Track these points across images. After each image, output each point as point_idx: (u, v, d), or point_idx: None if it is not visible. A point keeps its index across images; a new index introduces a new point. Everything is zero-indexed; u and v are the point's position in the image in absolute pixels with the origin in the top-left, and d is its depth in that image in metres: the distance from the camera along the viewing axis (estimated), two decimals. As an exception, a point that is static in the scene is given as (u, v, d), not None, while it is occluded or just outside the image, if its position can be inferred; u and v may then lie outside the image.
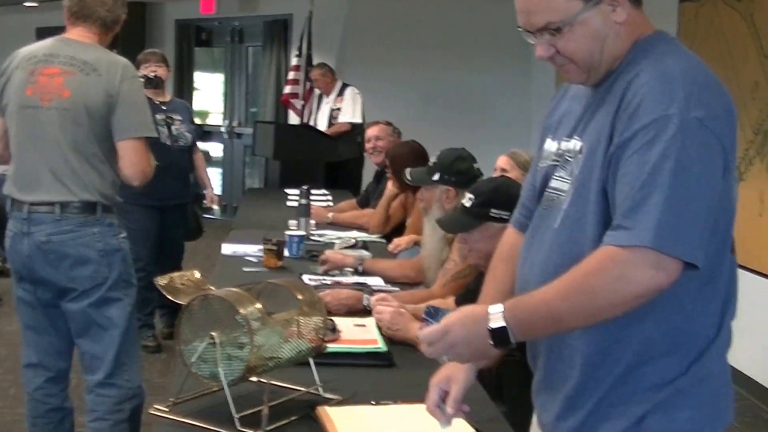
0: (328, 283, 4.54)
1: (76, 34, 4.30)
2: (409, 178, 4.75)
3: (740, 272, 6.27)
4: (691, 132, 2.05)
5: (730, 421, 2.31)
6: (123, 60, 4.28)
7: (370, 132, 7.28)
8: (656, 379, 2.20)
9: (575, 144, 2.28)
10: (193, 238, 7.95)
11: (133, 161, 4.20)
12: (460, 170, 4.49)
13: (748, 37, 6.96)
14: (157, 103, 7.02)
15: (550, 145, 2.39)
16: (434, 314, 2.58)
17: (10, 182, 4.25)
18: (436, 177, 4.50)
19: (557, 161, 2.34)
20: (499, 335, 2.16)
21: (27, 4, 15.39)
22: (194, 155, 7.66)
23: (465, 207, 3.67)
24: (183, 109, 7.52)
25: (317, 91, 11.32)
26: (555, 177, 2.33)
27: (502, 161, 5.22)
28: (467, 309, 2.28)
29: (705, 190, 2.07)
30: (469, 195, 3.68)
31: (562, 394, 2.32)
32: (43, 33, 17.03)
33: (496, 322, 2.16)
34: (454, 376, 2.44)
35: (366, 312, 3.87)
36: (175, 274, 3.04)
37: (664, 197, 2.03)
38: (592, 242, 2.14)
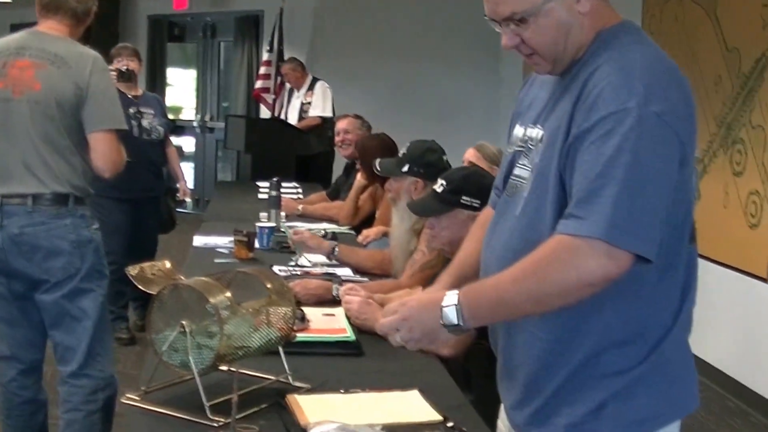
0: (298, 273, 4.58)
1: (48, 26, 4.31)
2: (378, 168, 4.78)
3: (705, 264, 6.38)
4: (648, 126, 2.07)
5: (694, 407, 2.34)
6: (93, 53, 4.29)
7: (340, 125, 7.33)
8: (615, 367, 2.23)
9: (537, 132, 2.31)
10: (166, 231, 7.96)
11: (104, 153, 4.23)
12: (429, 162, 4.51)
13: (711, 32, 7.05)
14: (130, 96, 7.05)
15: (518, 131, 2.42)
16: None
17: None
18: (405, 168, 4.52)
19: (522, 147, 2.37)
20: (450, 316, 2.22)
21: (0, 0, 15.32)
22: (167, 149, 7.68)
23: (436, 192, 3.71)
24: (155, 103, 7.54)
25: (288, 86, 11.36)
26: (518, 164, 2.36)
27: (470, 154, 5.28)
28: (426, 293, 2.38)
29: (659, 185, 2.09)
30: (441, 181, 3.72)
31: (520, 381, 2.36)
32: (17, 29, 16.84)
33: (449, 303, 2.22)
34: None
35: (335, 302, 3.90)
36: (146, 264, 3.06)
37: (617, 190, 2.05)
38: (550, 230, 2.16)
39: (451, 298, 2.23)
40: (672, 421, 2.31)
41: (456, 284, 2.43)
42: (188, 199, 7.96)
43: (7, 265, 4.21)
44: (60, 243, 4.19)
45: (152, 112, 7.31)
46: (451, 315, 2.22)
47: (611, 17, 2.28)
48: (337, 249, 4.87)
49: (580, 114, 2.15)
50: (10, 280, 4.25)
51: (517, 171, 2.37)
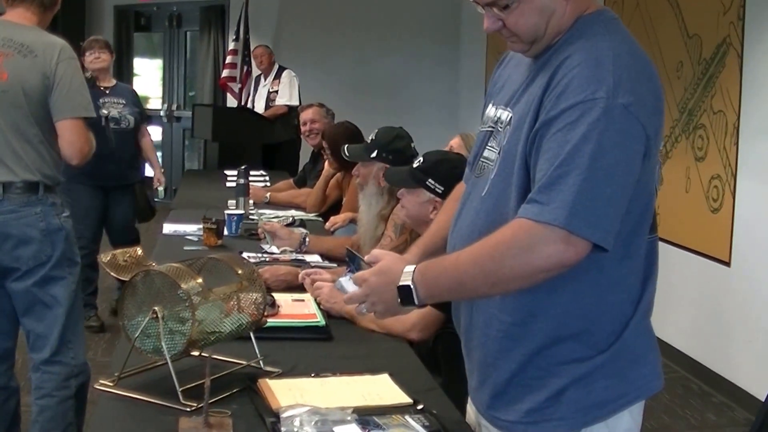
0: (267, 260, 4.61)
1: (15, 16, 4.31)
2: (347, 154, 4.80)
3: (667, 247, 6.46)
4: (615, 117, 2.08)
5: (657, 388, 2.38)
6: (60, 41, 4.31)
7: (305, 115, 7.34)
8: (575, 354, 2.27)
9: (507, 115, 2.33)
10: (145, 220, 7.92)
11: (72, 141, 4.25)
12: (397, 148, 4.55)
13: (672, 18, 7.11)
14: (101, 88, 7.07)
15: (490, 111, 2.44)
16: (352, 259, 2.64)
17: None
18: (373, 154, 4.56)
19: (492, 128, 2.39)
20: (404, 292, 2.30)
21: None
22: (142, 138, 7.69)
23: (412, 167, 3.77)
24: (126, 93, 7.59)
25: (255, 74, 11.36)
26: (488, 146, 2.39)
27: (455, 141, 5.35)
28: (387, 264, 2.39)
29: (621, 175, 2.11)
30: (420, 158, 3.77)
31: (478, 361, 2.41)
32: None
33: (405, 280, 2.29)
34: None
35: (304, 287, 3.93)
36: (118, 251, 3.09)
37: (581, 179, 2.07)
38: (514, 213, 2.19)
39: (407, 276, 2.30)
40: (634, 402, 2.35)
41: (424, 256, 2.52)
42: (161, 187, 7.87)
43: None
44: (30, 231, 4.21)
45: (123, 102, 7.33)
46: (407, 293, 2.29)
47: (590, 3, 2.31)
48: (307, 240, 4.89)
49: (549, 101, 2.17)
50: None
51: (486, 152, 2.40)
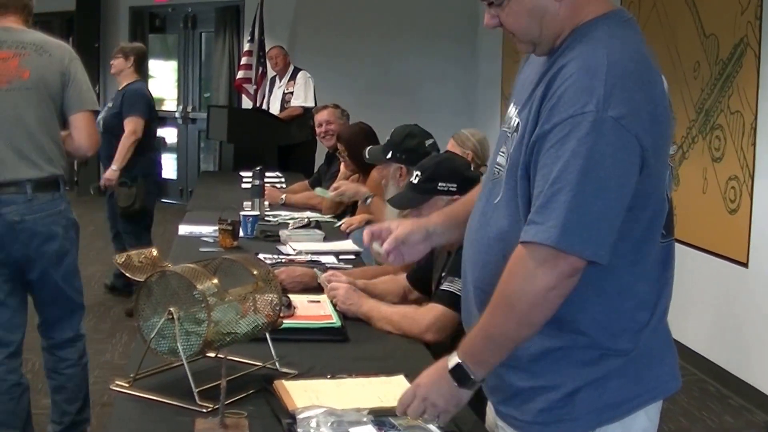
0: (283, 261, 4.61)
1: (11, 21, 4.52)
2: (367, 157, 4.81)
3: (684, 249, 6.42)
4: (605, 131, 2.07)
5: (674, 389, 2.38)
6: (64, 42, 4.65)
7: (320, 117, 7.36)
8: (587, 357, 2.27)
9: (515, 120, 2.32)
10: (131, 217, 7.83)
11: (90, 133, 4.59)
12: (409, 147, 4.55)
13: (688, 18, 7.08)
14: None
15: (510, 111, 2.42)
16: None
17: None
18: (389, 155, 4.56)
19: (507, 131, 2.39)
20: (458, 372, 2.28)
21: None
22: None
23: (412, 184, 3.72)
24: (118, 96, 7.69)
25: (270, 75, 11.37)
26: (500, 152, 2.39)
27: (449, 144, 5.35)
28: (427, 375, 2.38)
29: (613, 189, 2.10)
30: (416, 172, 3.74)
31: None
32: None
33: (452, 363, 2.29)
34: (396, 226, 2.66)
35: (320, 289, 3.92)
36: (133, 252, 3.09)
37: (570, 195, 2.07)
38: (519, 221, 2.21)
39: (453, 359, 2.30)
40: (650, 403, 2.34)
41: (447, 219, 2.65)
42: (101, 186, 7.86)
43: (2, 252, 4.40)
44: (55, 228, 4.46)
45: (110, 105, 7.55)
46: (460, 372, 2.28)
47: (598, 7, 2.27)
48: (369, 200, 4.91)
49: (544, 112, 2.17)
50: (3, 266, 4.41)
51: (498, 158, 2.39)
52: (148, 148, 7.75)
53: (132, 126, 7.52)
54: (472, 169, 3.91)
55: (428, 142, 4.66)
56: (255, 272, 2.91)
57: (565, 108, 2.11)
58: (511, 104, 2.45)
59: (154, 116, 7.83)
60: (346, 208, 6.42)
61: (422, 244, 2.72)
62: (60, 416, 4.83)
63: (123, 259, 3.03)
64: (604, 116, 2.07)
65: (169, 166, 14.93)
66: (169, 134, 14.90)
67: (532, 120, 2.20)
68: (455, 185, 3.60)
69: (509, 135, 2.35)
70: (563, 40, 2.26)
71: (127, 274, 3.01)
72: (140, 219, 7.87)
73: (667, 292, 2.36)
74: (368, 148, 4.88)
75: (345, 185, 5.32)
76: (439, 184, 3.66)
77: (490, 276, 2.29)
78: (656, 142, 2.16)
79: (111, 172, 7.60)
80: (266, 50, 11.57)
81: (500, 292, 2.19)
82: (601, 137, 2.07)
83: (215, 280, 2.75)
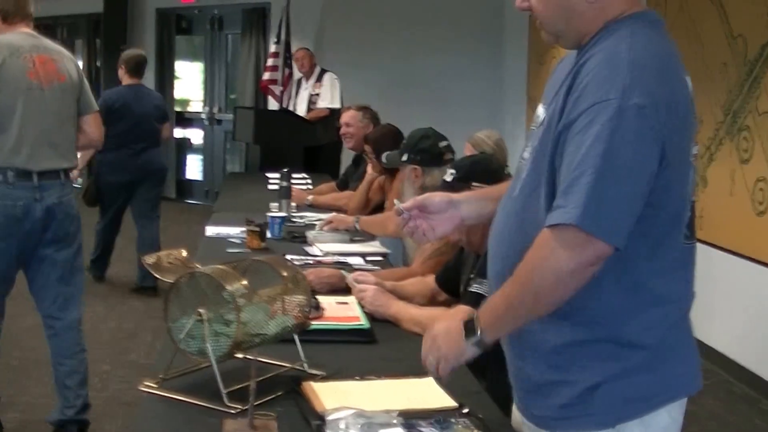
0: (311, 262, 4.62)
1: (28, 29, 4.99)
2: (385, 162, 4.83)
3: (712, 251, 6.38)
4: (627, 118, 2.11)
5: (695, 389, 2.39)
6: None
7: (342, 118, 7.41)
8: (607, 352, 2.28)
9: (541, 115, 2.37)
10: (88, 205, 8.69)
11: (102, 129, 5.34)
12: (423, 148, 4.58)
13: (716, 18, 7.05)
14: None
15: (539, 110, 2.45)
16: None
17: (9, 155, 4.81)
18: (404, 157, 4.59)
19: (533, 128, 2.42)
20: (468, 325, 2.37)
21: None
22: None
23: (446, 182, 3.70)
24: None
25: (296, 77, 11.39)
26: (527, 146, 2.42)
27: (466, 148, 5.38)
28: (444, 323, 2.47)
29: (634, 175, 2.14)
30: (450, 170, 3.74)
31: (512, 357, 2.46)
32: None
33: (469, 315, 2.38)
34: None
35: (348, 290, 3.91)
36: (162, 253, 3.09)
37: (592, 178, 2.10)
38: (544, 212, 2.23)
39: (471, 313, 2.37)
40: (670, 401, 2.35)
41: (474, 200, 2.74)
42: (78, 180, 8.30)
43: (40, 232, 4.93)
44: (73, 210, 5.08)
45: None
46: (470, 326, 2.36)
47: (626, 7, 2.32)
48: (357, 224, 4.93)
49: (570, 103, 2.21)
50: (30, 243, 4.97)
51: (524, 153, 2.43)
52: (106, 147, 7.54)
53: None
54: (506, 171, 3.91)
55: (442, 143, 4.68)
56: (284, 273, 2.92)
57: (589, 96, 2.16)
58: (540, 104, 2.48)
59: (113, 118, 8.01)
60: (373, 209, 6.42)
61: (448, 213, 2.74)
62: (74, 399, 5.12)
63: (153, 260, 3.03)
64: (627, 104, 2.12)
65: (194, 167, 15.00)
66: (194, 135, 14.98)
67: (558, 112, 2.25)
68: (489, 185, 3.60)
69: (535, 129, 2.39)
70: (591, 37, 2.30)
71: (156, 275, 3.01)
72: (103, 209, 8.80)
73: (688, 292, 2.37)
74: (386, 154, 4.90)
75: (335, 218, 5.33)
76: (473, 183, 3.65)
77: (510, 268, 2.31)
78: (676, 137, 2.20)
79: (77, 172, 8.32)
80: (292, 52, 11.59)
81: (523, 266, 2.23)
82: (623, 124, 2.11)
83: (244, 281, 2.75)
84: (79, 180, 8.82)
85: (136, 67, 8.64)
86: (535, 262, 2.20)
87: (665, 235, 2.27)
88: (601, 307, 2.26)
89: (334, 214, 5.10)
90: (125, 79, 8.59)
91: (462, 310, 2.45)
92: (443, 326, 2.46)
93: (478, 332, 2.34)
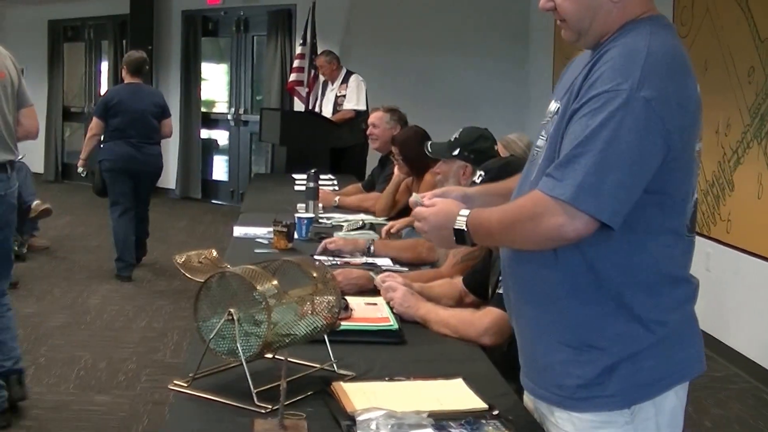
0: (338, 263, 4.61)
1: None
2: (429, 150, 4.80)
3: (738, 255, 6.35)
4: (634, 109, 2.24)
5: (699, 372, 2.54)
6: None
7: (369, 119, 7.40)
8: (618, 330, 2.40)
9: (555, 106, 2.49)
10: (101, 196, 9.44)
11: (37, 122, 5.69)
12: (480, 149, 4.56)
13: (743, 22, 7.01)
14: None
15: (551, 106, 2.57)
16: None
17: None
18: (455, 152, 4.57)
19: (546, 120, 2.54)
20: (459, 235, 2.53)
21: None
22: None
23: (475, 183, 3.70)
24: None
25: (322, 79, 11.41)
26: (540, 135, 2.55)
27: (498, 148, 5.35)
28: (446, 205, 2.61)
29: (634, 163, 2.26)
30: (479, 171, 3.74)
31: (526, 339, 2.60)
32: (54, 26, 17.18)
33: (459, 224, 2.52)
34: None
35: (376, 291, 3.91)
36: (192, 253, 3.10)
37: (592, 160, 2.24)
38: None
39: (461, 220, 2.52)
40: (679, 383, 2.50)
41: (485, 195, 2.87)
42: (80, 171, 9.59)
43: None
44: (15, 200, 5.44)
45: None
46: (461, 235, 2.52)
47: (646, 9, 2.45)
48: (372, 247, 4.90)
49: (583, 90, 2.34)
50: None
51: (538, 141, 2.56)
52: (105, 138, 9.17)
53: (90, 125, 9.37)
54: None
55: (496, 147, 4.67)
56: (314, 274, 2.92)
57: (601, 84, 2.29)
58: (552, 100, 2.60)
59: (111, 113, 9.04)
60: (400, 210, 6.41)
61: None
62: (9, 352, 5.43)
63: (183, 260, 3.04)
64: (636, 95, 2.24)
65: (220, 168, 15.06)
66: (220, 136, 15.03)
67: (573, 98, 2.37)
68: None
69: (549, 119, 2.51)
70: (610, 36, 2.43)
71: (187, 275, 3.02)
72: (110, 200, 9.21)
73: (692, 283, 2.51)
74: (429, 142, 4.87)
75: (343, 242, 5.29)
76: None
77: (519, 267, 2.53)
78: (684, 131, 2.34)
79: (80, 161, 9.50)
80: (317, 54, 11.61)
81: (510, 215, 2.42)
82: (629, 113, 2.24)
83: (275, 282, 2.76)
84: (80, 170, 9.53)
85: (136, 68, 9.23)
86: (522, 217, 2.37)
87: (671, 221, 2.41)
88: (617, 281, 2.39)
89: (343, 244, 5.02)
90: (127, 78, 9.25)
91: (456, 208, 2.58)
92: (437, 224, 2.59)
93: (468, 242, 2.54)
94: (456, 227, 2.52)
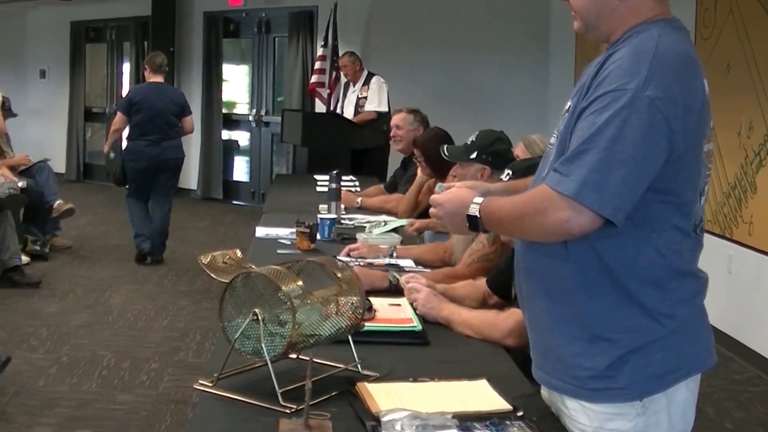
0: (361, 264, 4.60)
1: None
2: (446, 153, 4.80)
3: (761, 258, 6.32)
4: (639, 108, 2.29)
5: (710, 365, 2.59)
6: None
7: (393, 120, 7.42)
8: (629, 322, 2.45)
9: (567, 104, 2.54)
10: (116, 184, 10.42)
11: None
12: (497, 151, 4.56)
13: (766, 23, 6.99)
14: None
15: (566, 104, 2.60)
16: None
17: None
18: (473, 155, 4.57)
19: (562, 117, 2.59)
20: (472, 221, 2.59)
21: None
22: None
23: (503, 182, 3.72)
24: None
25: (343, 80, 11.42)
26: (553, 133, 2.61)
27: (519, 148, 5.34)
28: (460, 192, 2.67)
29: (635, 161, 2.30)
30: (507, 171, 3.74)
31: (537, 330, 2.66)
32: (77, 27, 17.33)
33: (473, 211, 2.58)
34: None
35: (390, 291, 3.94)
36: (217, 253, 3.11)
37: (597, 157, 2.30)
38: None
39: (474, 207, 2.58)
40: (690, 375, 2.55)
41: (504, 185, 3.01)
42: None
43: None
44: None
45: None
46: (474, 221, 2.58)
47: (655, 12, 2.49)
48: (394, 252, 4.91)
49: (592, 89, 2.40)
50: None
51: (551, 139, 2.62)
52: (129, 136, 9.92)
53: (114, 119, 10.14)
54: None
55: (512, 149, 4.67)
56: (339, 275, 2.92)
57: (609, 83, 2.35)
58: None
59: (134, 110, 9.73)
60: (423, 211, 6.42)
61: None
62: None
63: (208, 260, 3.05)
64: (642, 95, 2.30)
65: (241, 169, 15.10)
66: (241, 137, 15.06)
67: (582, 97, 2.43)
68: None
69: (562, 117, 2.56)
70: (619, 37, 2.48)
71: (211, 275, 3.03)
72: (128, 191, 10.07)
73: (700, 278, 2.56)
74: (446, 146, 4.87)
75: (366, 249, 5.28)
76: None
77: (531, 259, 2.60)
78: (689, 132, 2.37)
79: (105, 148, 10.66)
80: (339, 56, 11.63)
81: (518, 207, 2.48)
82: (634, 113, 2.29)
83: (300, 282, 2.77)
84: (111, 155, 10.85)
85: (158, 67, 9.94)
86: (528, 210, 2.43)
87: (680, 219, 2.46)
88: (627, 272, 2.43)
89: (367, 250, 5.00)
90: (149, 77, 9.97)
91: (470, 195, 2.64)
92: (452, 209, 2.65)
93: (481, 229, 2.62)
94: (469, 213, 2.58)
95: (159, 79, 9.94)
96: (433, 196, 2.73)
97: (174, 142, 9.95)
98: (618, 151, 2.29)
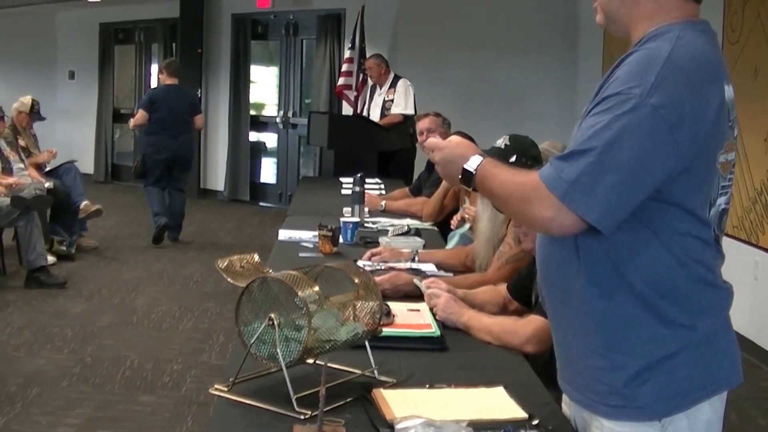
0: (382, 268, 4.60)
1: None
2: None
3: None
4: (641, 115, 2.22)
5: (736, 383, 2.46)
6: None
7: (422, 124, 7.33)
8: (648, 334, 2.37)
9: (585, 107, 2.47)
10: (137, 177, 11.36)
11: None
12: (535, 156, 4.55)
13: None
14: None
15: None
16: None
17: None
18: (512, 158, 4.56)
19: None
20: (466, 175, 2.54)
21: (90, -1, 15.70)
22: None
23: None
24: None
25: (370, 83, 11.42)
26: (572, 138, 2.52)
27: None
28: (464, 143, 2.65)
29: (633, 169, 2.24)
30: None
31: (561, 341, 2.58)
32: (105, 28, 17.58)
33: (470, 166, 2.52)
34: None
35: (422, 296, 3.89)
36: (234, 257, 3.11)
37: (591, 161, 2.25)
38: None
39: (473, 162, 2.52)
40: (714, 394, 2.42)
41: None
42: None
43: None
44: None
45: None
46: (468, 176, 2.52)
47: (680, 14, 2.41)
48: (417, 257, 4.89)
49: (602, 91, 2.35)
50: None
51: (570, 143, 2.54)
52: (149, 131, 11.16)
53: (136, 115, 11.39)
54: None
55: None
56: (357, 280, 2.92)
57: (616, 86, 2.29)
58: None
59: (155, 108, 11.06)
60: (447, 216, 6.41)
61: None
62: None
63: (225, 264, 3.05)
64: (645, 102, 2.22)
65: (268, 170, 15.13)
66: (269, 139, 15.09)
67: (593, 98, 2.39)
68: None
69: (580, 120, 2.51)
70: (640, 37, 2.41)
71: (229, 279, 3.02)
72: (147, 181, 11.19)
73: (722, 288, 2.45)
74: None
75: (388, 254, 5.26)
76: None
77: (549, 270, 2.53)
78: (698, 141, 2.27)
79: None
80: (366, 58, 11.63)
81: (510, 186, 2.43)
82: (636, 119, 2.22)
83: (316, 287, 2.76)
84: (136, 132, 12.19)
85: (174, 72, 11.35)
86: (518, 194, 2.39)
87: (698, 229, 2.37)
88: (653, 286, 2.36)
89: (388, 254, 4.98)
90: (166, 80, 11.31)
91: (472, 150, 2.59)
92: (451, 155, 2.60)
93: (472, 186, 2.54)
94: (466, 167, 2.53)
95: (174, 81, 11.33)
96: (437, 141, 2.68)
97: (188, 136, 11.43)
98: (613, 157, 2.23)
